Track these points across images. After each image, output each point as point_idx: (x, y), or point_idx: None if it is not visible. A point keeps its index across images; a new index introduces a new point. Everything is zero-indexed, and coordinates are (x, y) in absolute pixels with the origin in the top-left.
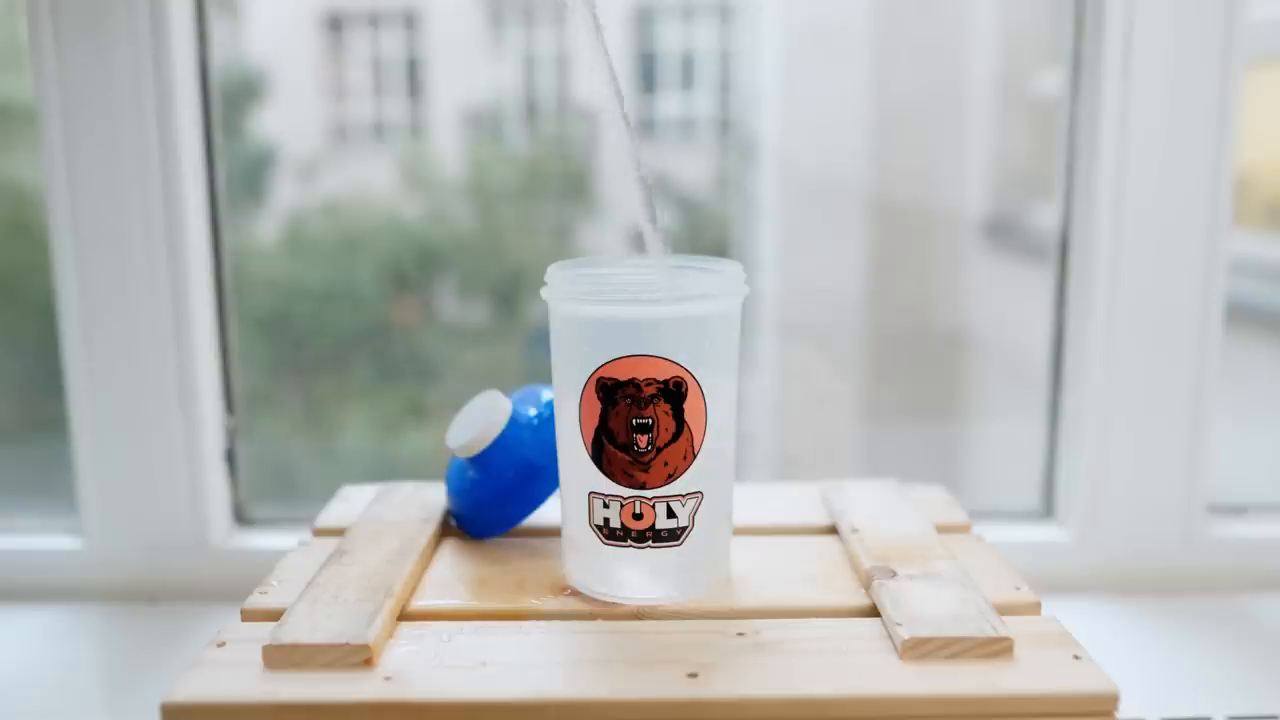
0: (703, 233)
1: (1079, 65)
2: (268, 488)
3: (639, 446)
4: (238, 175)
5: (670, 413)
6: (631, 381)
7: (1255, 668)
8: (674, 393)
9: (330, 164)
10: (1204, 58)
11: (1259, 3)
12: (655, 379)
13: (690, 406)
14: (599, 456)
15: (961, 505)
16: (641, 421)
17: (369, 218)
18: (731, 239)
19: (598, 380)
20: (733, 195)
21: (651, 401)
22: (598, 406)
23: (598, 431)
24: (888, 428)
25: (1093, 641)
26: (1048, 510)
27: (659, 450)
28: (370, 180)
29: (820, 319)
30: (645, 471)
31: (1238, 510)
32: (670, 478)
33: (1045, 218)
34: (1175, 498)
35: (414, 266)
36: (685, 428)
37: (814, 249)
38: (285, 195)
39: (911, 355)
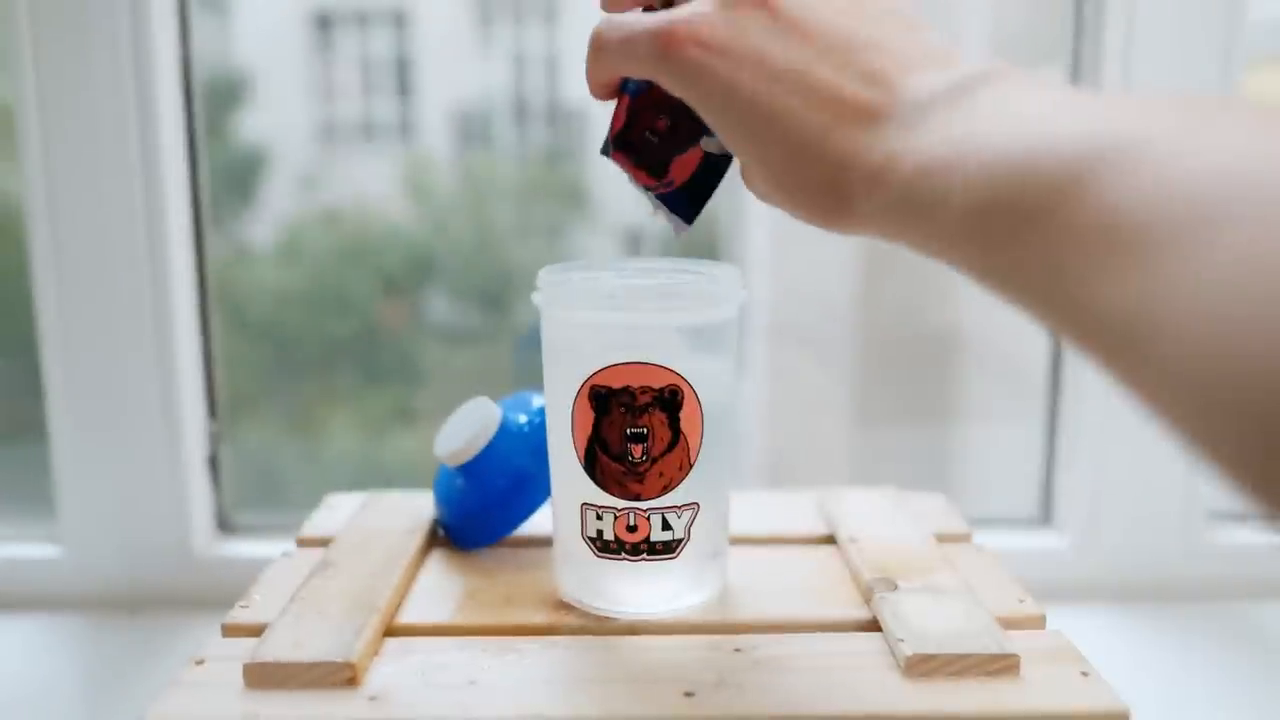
0: (691, 234)
1: (1079, 65)
2: (252, 493)
3: (633, 457)
4: (225, 178)
5: (666, 422)
6: (625, 389)
7: (1255, 675)
8: (669, 401)
9: (319, 164)
10: (1204, 58)
11: (1259, 3)
12: (650, 387)
13: (686, 415)
14: (592, 467)
15: (961, 514)
16: (636, 431)
17: (360, 222)
18: (720, 240)
19: (590, 388)
20: (721, 195)
21: (646, 410)
22: (590, 415)
23: (590, 441)
24: (881, 432)
25: (1092, 650)
26: (1046, 517)
27: (654, 461)
28: (360, 181)
29: (811, 321)
30: (640, 482)
31: (1237, 517)
32: (666, 489)
33: None
34: (1174, 505)
35: (404, 271)
36: (681, 437)
37: (804, 250)
38: (275, 196)
39: (905, 358)
